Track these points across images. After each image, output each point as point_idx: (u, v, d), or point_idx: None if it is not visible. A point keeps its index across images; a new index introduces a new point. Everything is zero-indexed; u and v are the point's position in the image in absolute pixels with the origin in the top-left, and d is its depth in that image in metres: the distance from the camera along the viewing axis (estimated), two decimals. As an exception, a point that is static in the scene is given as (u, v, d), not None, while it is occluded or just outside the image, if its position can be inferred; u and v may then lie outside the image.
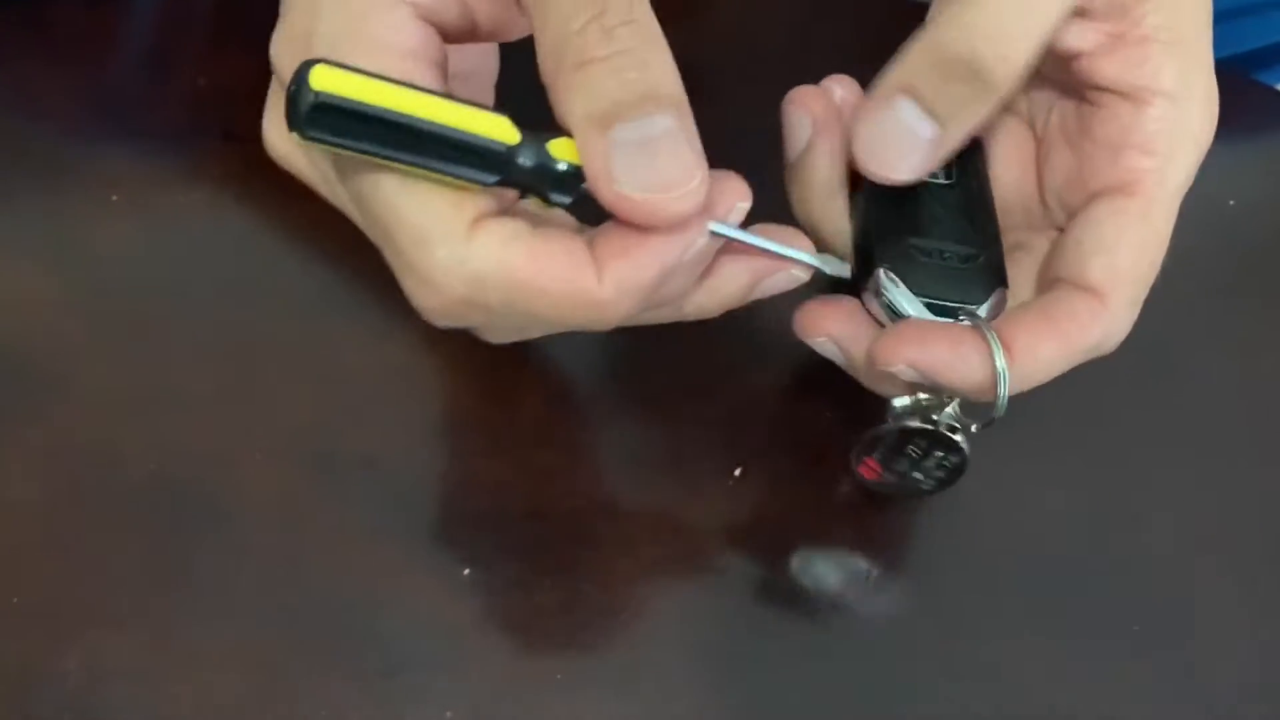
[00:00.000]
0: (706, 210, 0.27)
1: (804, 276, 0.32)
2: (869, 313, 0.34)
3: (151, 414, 0.40)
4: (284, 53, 0.29)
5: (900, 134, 0.31)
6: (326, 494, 0.39)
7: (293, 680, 0.36)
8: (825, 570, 0.39)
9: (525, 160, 0.27)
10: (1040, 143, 0.36)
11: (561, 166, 0.27)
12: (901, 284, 0.33)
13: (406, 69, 0.27)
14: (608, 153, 0.25)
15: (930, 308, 0.33)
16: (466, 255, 0.26)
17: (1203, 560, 0.40)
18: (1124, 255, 0.32)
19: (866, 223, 0.34)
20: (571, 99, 0.26)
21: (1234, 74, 0.35)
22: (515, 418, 0.40)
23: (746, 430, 0.40)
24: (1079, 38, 0.33)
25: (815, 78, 0.34)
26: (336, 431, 0.40)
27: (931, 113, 0.31)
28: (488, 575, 0.38)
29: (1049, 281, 0.34)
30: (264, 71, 0.35)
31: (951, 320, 0.33)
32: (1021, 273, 0.35)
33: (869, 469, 0.35)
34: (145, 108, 0.45)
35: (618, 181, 0.25)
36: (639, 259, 0.27)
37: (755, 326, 0.39)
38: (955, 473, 0.34)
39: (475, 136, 0.26)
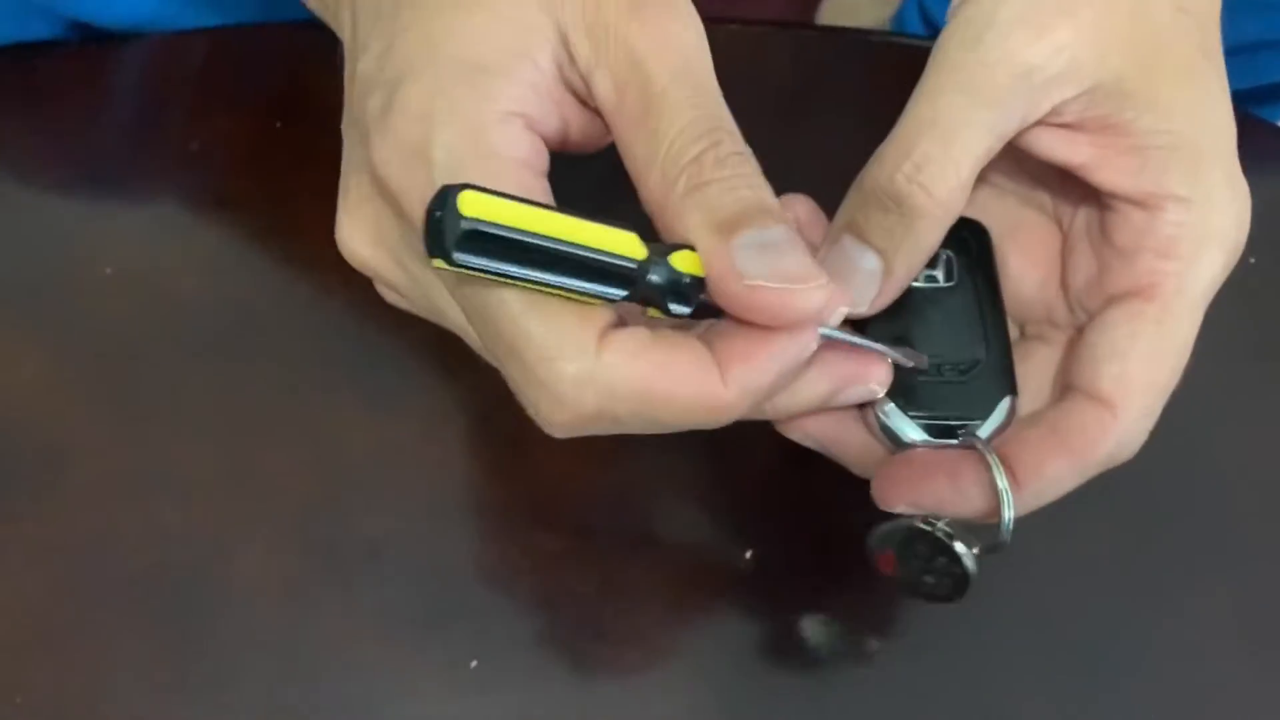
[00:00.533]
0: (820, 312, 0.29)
1: (881, 392, 0.32)
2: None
3: (150, 499, 0.39)
4: (397, 165, 0.28)
5: (848, 269, 0.31)
6: (330, 582, 0.38)
7: (299, 782, 0.36)
8: (838, 658, 0.38)
9: (654, 276, 0.27)
10: (1065, 241, 0.35)
11: (686, 279, 0.28)
12: (897, 411, 0.32)
13: (524, 182, 0.28)
14: (733, 254, 0.27)
15: (930, 429, 0.32)
16: (597, 370, 0.27)
17: (1233, 644, 0.39)
18: (1137, 363, 0.31)
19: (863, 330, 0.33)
20: (691, 214, 0.28)
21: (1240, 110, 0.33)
22: (524, 499, 0.40)
23: (758, 512, 0.39)
24: (1069, 151, 0.32)
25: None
26: (339, 516, 0.39)
27: (871, 245, 0.31)
28: (496, 668, 0.37)
29: (1063, 389, 0.33)
30: (255, 134, 0.34)
31: (952, 441, 0.32)
32: (1042, 367, 0.34)
33: (886, 563, 0.34)
34: (137, 174, 0.44)
35: (747, 276, 0.27)
36: (761, 362, 0.28)
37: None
38: (961, 583, 0.33)
39: (610, 254, 0.27)
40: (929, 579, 0.33)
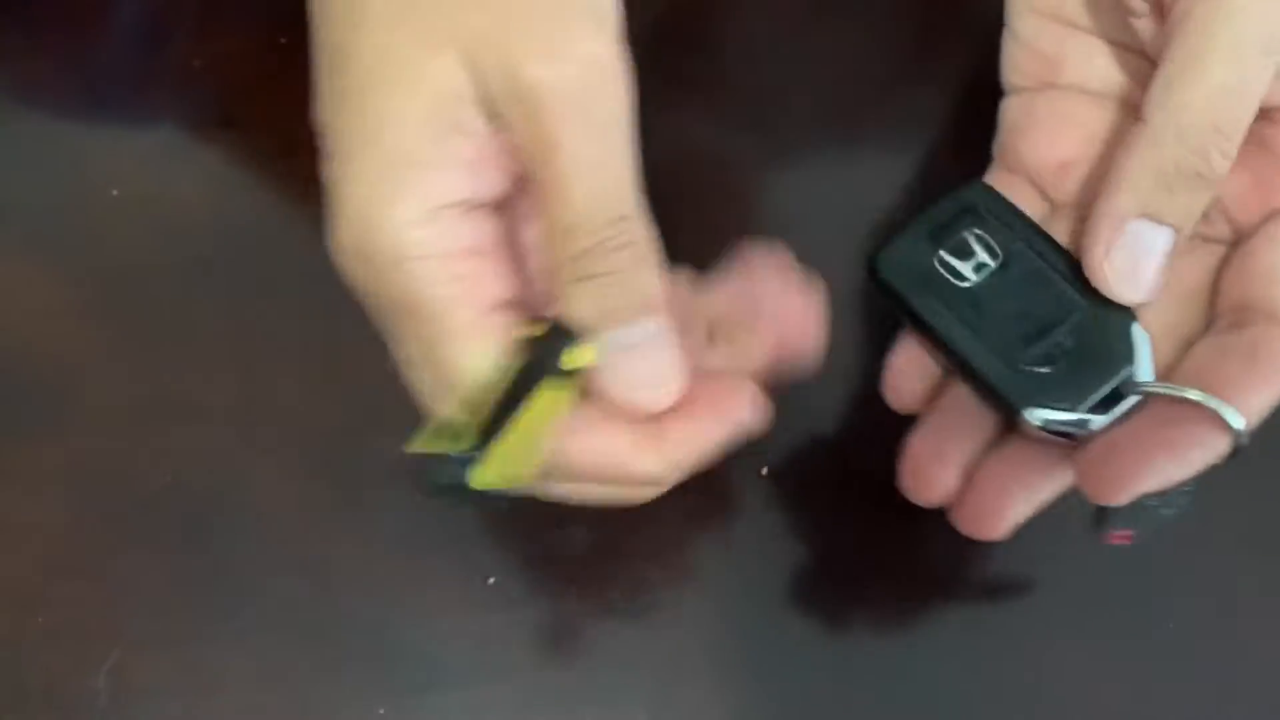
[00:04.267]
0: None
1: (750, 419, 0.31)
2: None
3: (165, 423, 0.39)
4: (349, 257, 0.29)
5: (1143, 255, 0.30)
6: (348, 504, 0.38)
7: (320, 699, 0.36)
8: (854, 580, 0.38)
9: None
10: None
11: None
12: (1055, 412, 0.30)
13: (460, 270, 0.28)
14: (601, 352, 0.29)
15: (1097, 408, 0.30)
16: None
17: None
18: None
19: (966, 364, 0.31)
20: (574, 303, 0.29)
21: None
22: None
23: (774, 424, 0.39)
24: None
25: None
26: (356, 439, 0.39)
27: (1167, 223, 0.30)
28: (513, 583, 0.37)
29: (1235, 308, 0.32)
30: (260, 52, 0.33)
31: (1128, 400, 0.30)
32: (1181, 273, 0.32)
33: (1122, 539, 0.31)
34: (140, 93, 0.43)
35: (608, 376, 0.29)
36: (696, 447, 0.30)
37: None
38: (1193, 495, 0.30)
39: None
40: (1166, 512, 0.31)
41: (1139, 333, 0.31)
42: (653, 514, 0.37)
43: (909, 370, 0.34)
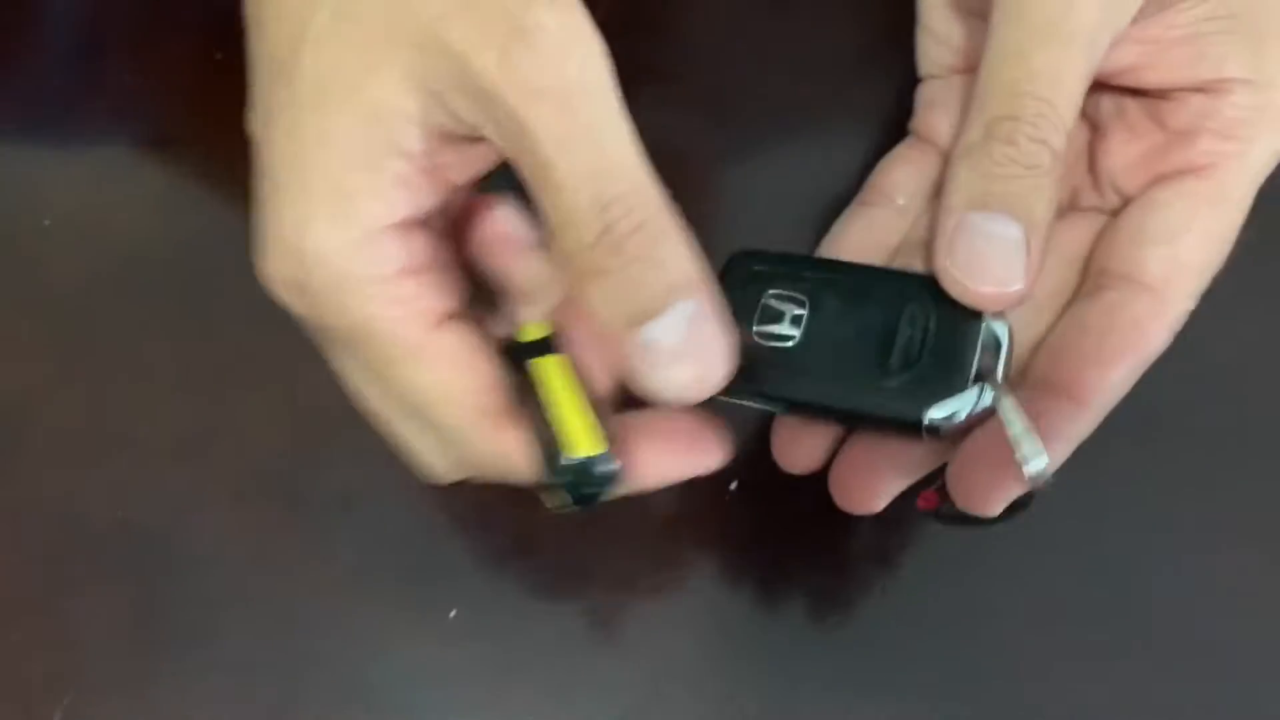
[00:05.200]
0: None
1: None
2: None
3: (113, 456, 0.38)
4: (281, 289, 0.28)
5: (986, 247, 0.29)
6: (304, 537, 0.37)
7: (281, 740, 0.35)
8: (827, 584, 0.37)
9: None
10: (1094, 128, 0.33)
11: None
12: (947, 402, 0.29)
13: (401, 293, 0.27)
14: (634, 351, 0.26)
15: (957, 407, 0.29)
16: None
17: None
18: (1189, 244, 0.30)
19: (841, 412, 0.31)
20: (594, 304, 0.27)
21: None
22: None
23: (743, 440, 0.37)
24: (1115, 58, 0.31)
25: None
26: (311, 468, 0.37)
27: (1006, 213, 0.29)
28: (475, 616, 0.36)
29: (1096, 272, 0.31)
30: (197, 66, 0.32)
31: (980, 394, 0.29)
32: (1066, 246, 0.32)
33: (925, 499, 0.32)
34: (74, 113, 0.41)
35: (647, 371, 0.26)
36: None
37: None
38: (1015, 506, 0.30)
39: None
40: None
41: (987, 329, 0.30)
42: (619, 540, 0.37)
43: (793, 442, 0.33)
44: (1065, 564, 0.36)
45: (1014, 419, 0.28)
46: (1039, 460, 0.28)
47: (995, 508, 0.29)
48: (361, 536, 0.37)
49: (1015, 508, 0.30)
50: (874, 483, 0.31)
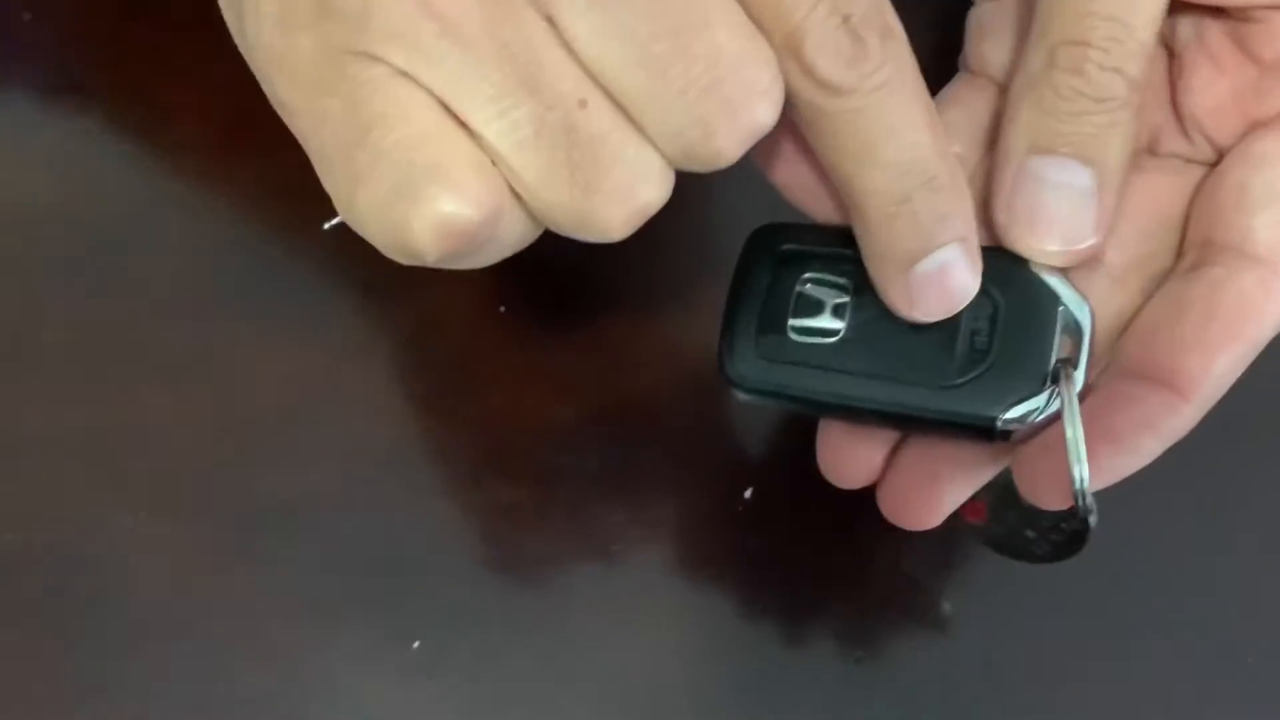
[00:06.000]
0: None
1: None
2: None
3: (9, 467, 0.33)
4: None
5: (1050, 197, 0.27)
6: (235, 555, 0.32)
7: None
8: (851, 612, 0.32)
9: None
10: (1171, 56, 0.30)
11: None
12: (1025, 403, 0.26)
13: None
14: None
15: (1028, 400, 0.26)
16: None
17: None
18: None
19: (899, 415, 0.27)
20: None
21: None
22: (467, 441, 0.33)
23: (757, 442, 0.33)
24: None
25: None
26: (242, 474, 0.33)
27: (1069, 157, 0.27)
28: (441, 648, 0.31)
29: (1196, 242, 0.28)
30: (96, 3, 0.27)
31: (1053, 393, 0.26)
32: (1151, 200, 0.29)
33: (973, 509, 0.29)
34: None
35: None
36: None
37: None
38: (1073, 541, 0.27)
39: None
40: (1029, 534, 0.29)
41: (1067, 314, 0.27)
42: (608, 560, 0.32)
43: (845, 451, 0.29)
44: (1120, 585, 0.32)
45: (1074, 420, 0.25)
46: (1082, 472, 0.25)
47: (1063, 499, 0.26)
48: (306, 556, 0.32)
49: (1070, 545, 0.27)
50: (935, 494, 0.28)
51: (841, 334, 0.27)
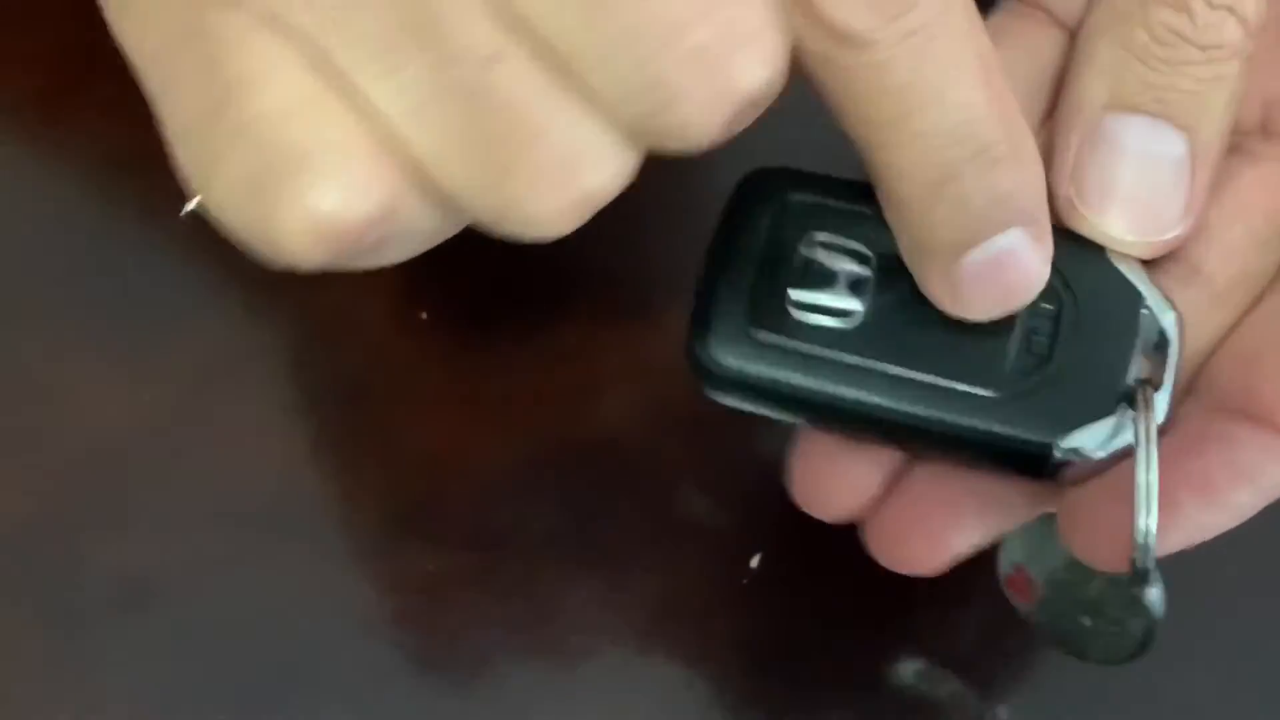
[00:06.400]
0: None
1: None
2: None
3: None
4: None
5: (1132, 166, 0.24)
6: (69, 647, 0.27)
7: None
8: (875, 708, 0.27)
9: None
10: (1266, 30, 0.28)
11: None
12: (1091, 429, 0.23)
13: None
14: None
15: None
16: None
17: None
18: None
19: (920, 428, 0.23)
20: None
21: None
22: (378, 497, 0.28)
23: (766, 498, 0.28)
24: None
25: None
26: (80, 541, 0.27)
27: (1156, 115, 0.24)
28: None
29: None
30: None
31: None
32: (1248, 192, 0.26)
33: (1020, 588, 0.25)
34: None
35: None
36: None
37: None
38: (1134, 644, 0.24)
39: None
40: (1086, 621, 0.25)
41: (1134, 273, 0.24)
42: (568, 657, 0.27)
43: (834, 472, 0.26)
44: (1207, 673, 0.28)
45: (1149, 458, 0.22)
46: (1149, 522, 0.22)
47: (1118, 558, 0.23)
48: (151, 650, 0.27)
49: (1141, 644, 0.24)
50: (944, 531, 0.25)
51: (860, 317, 0.23)
